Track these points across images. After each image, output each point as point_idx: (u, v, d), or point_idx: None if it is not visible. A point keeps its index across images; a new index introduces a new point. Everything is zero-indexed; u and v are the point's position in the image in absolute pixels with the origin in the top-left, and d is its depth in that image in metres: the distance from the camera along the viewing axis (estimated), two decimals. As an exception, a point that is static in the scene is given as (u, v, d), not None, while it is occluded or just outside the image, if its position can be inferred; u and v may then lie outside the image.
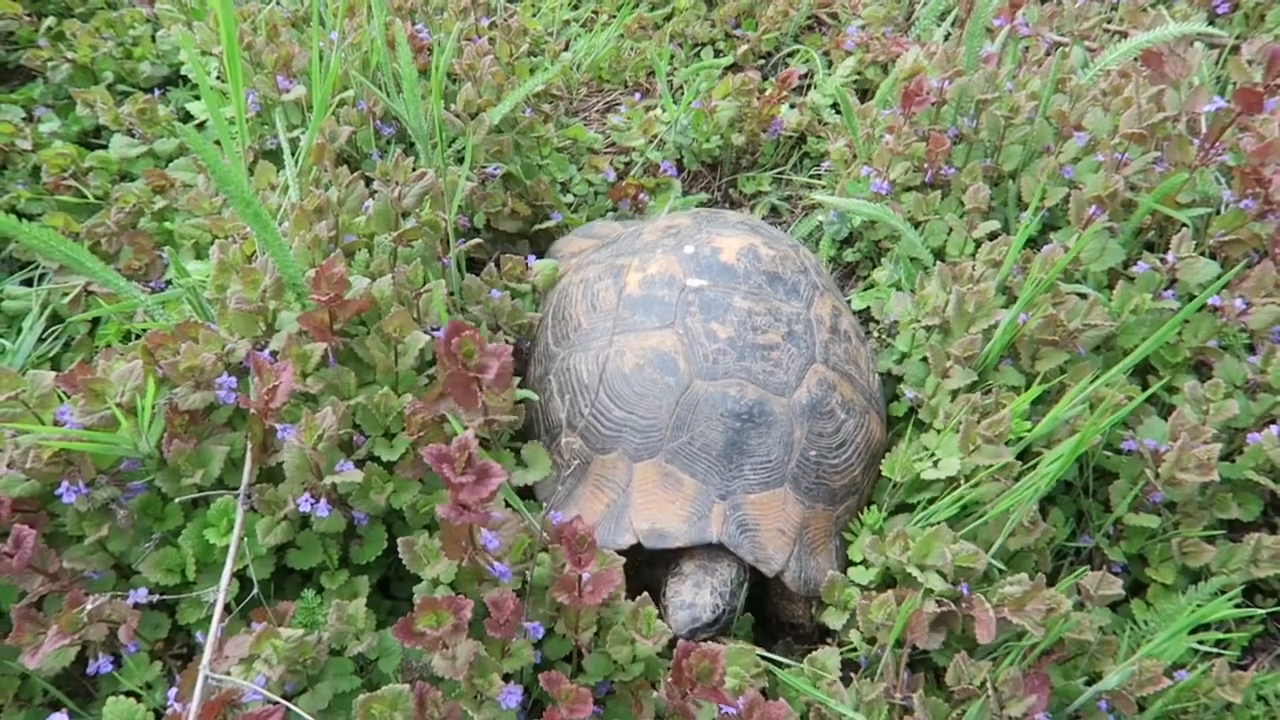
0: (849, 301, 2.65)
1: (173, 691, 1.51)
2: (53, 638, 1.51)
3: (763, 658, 1.81)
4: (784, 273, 2.17)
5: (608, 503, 1.95)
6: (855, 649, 1.86)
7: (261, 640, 1.51)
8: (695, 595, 1.82)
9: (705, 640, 1.78)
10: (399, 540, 1.67)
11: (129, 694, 1.56)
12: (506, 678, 1.60)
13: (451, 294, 2.18)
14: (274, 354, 1.80)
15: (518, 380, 2.17)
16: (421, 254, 2.14)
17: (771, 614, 2.09)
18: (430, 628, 1.47)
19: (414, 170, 2.17)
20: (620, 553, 1.86)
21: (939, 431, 2.11)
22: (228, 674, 1.47)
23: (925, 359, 2.24)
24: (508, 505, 1.81)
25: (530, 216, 2.65)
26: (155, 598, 1.65)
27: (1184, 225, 2.24)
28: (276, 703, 1.43)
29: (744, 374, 1.97)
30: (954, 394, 2.15)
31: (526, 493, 2.09)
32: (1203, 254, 2.27)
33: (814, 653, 1.81)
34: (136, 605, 1.62)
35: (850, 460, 2.05)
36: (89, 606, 1.54)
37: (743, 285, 2.11)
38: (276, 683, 1.49)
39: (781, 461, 1.95)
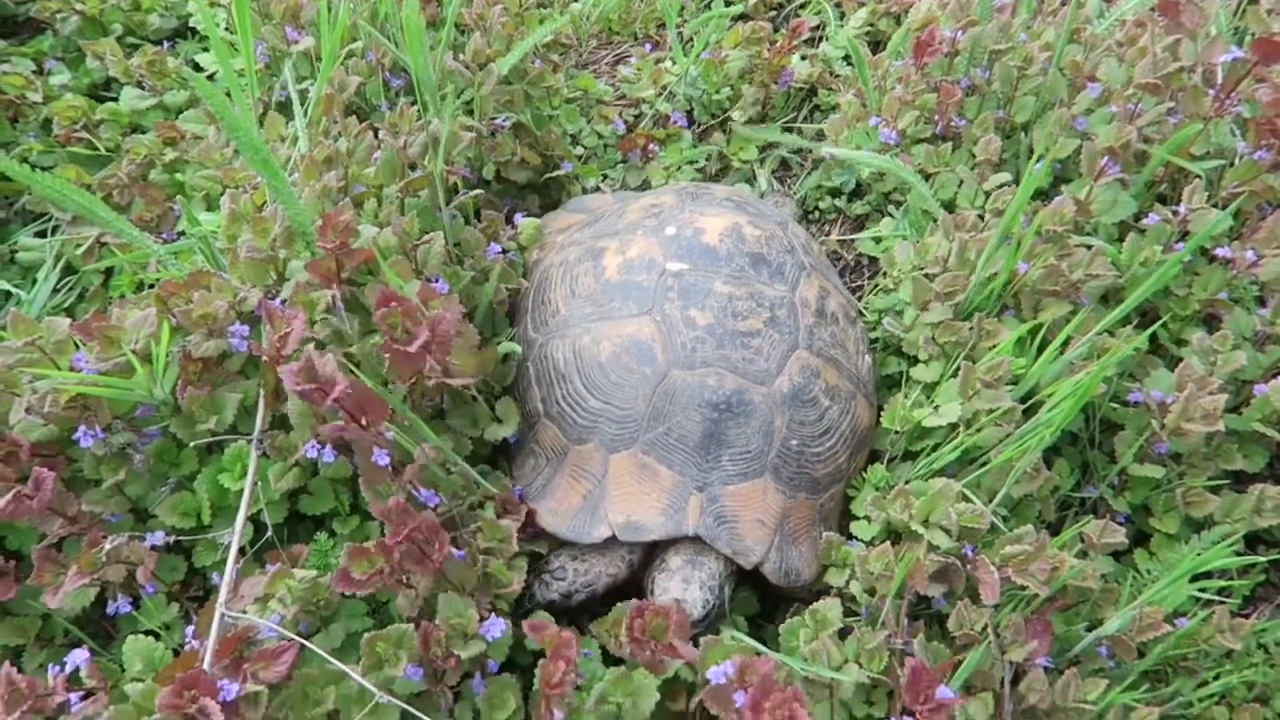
0: (856, 249, 2.65)
1: (190, 629, 1.55)
2: (73, 578, 1.56)
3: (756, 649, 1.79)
4: (769, 254, 2.12)
5: (584, 494, 1.93)
6: (857, 601, 1.88)
7: (276, 580, 1.55)
8: (684, 591, 1.80)
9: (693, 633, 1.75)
10: (360, 480, 1.69)
11: (148, 634, 1.61)
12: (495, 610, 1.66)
13: (457, 245, 2.19)
14: (285, 302, 1.81)
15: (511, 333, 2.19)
16: (424, 205, 2.14)
17: (773, 588, 2.08)
18: (363, 574, 1.51)
19: (419, 120, 2.17)
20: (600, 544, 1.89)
21: (925, 363, 2.13)
22: (243, 613, 1.51)
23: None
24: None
25: (540, 166, 2.64)
26: (172, 539, 1.69)
27: (1197, 177, 2.22)
28: (291, 639, 1.47)
29: (723, 363, 1.93)
30: (933, 327, 2.16)
31: (502, 449, 2.12)
32: (1215, 206, 2.25)
33: (815, 604, 1.80)
34: (154, 548, 1.66)
35: (835, 448, 2.03)
36: (107, 547, 1.58)
37: (724, 268, 2.05)
38: (291, 622, 1.53)
39: (761, 452, 1.93)
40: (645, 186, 2.87)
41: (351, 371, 1.81)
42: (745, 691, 1.48)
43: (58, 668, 1.49)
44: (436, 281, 1.95)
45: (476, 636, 1.63)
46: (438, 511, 1.79)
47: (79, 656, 1.50)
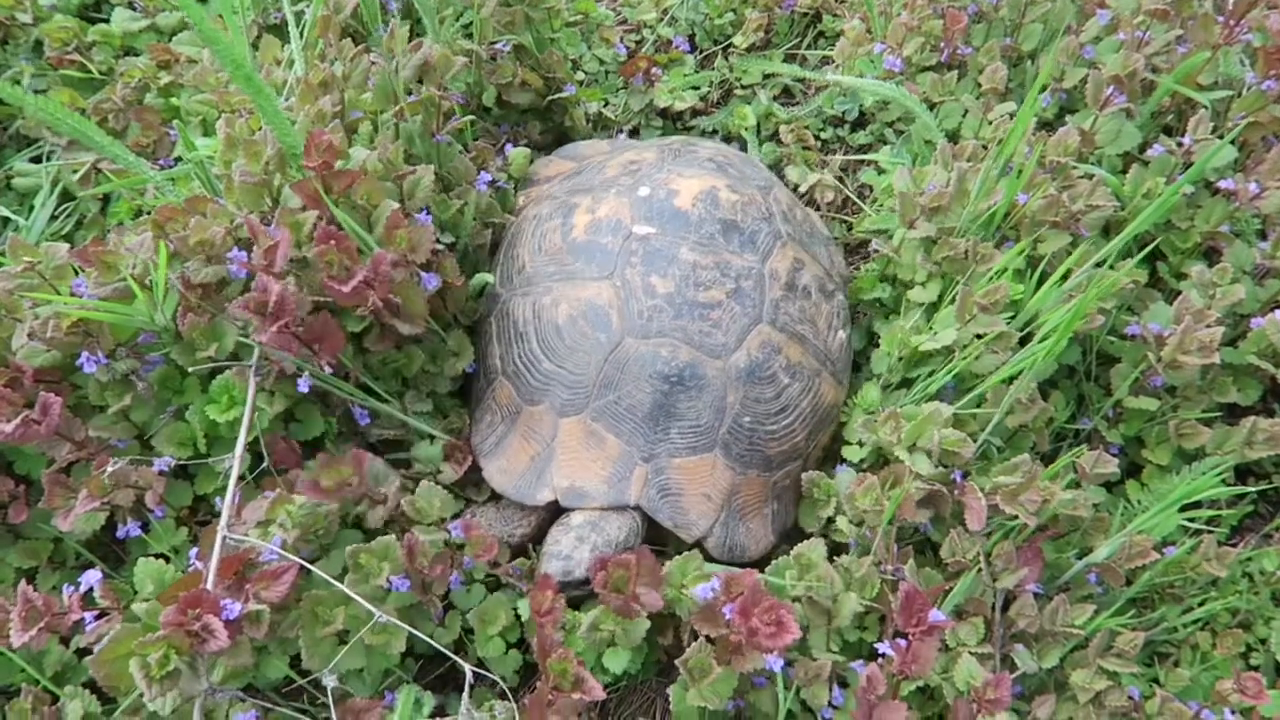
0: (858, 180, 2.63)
1: (194, 550, 1.58)
2: (83, 501, 1.59)
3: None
4: (742, 221, 2.06)
5: (532, 455, 1.92)
6: (842, 532, 1.89)
7: (276, 505, 1.57)
8: (574, 549, 1.79)
9: (575, 593, 1.78)
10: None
11: (158, 557, 1.64)
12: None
13: (448, 172, 2.17)
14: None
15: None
16: (418, 131, 2.12)
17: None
18: (330, 483, 1.58)
19: (412, 42, 2.13)
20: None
21: (923, 284, 2.13)
22: (245, 536, 1.53)
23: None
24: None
25: (542, 89, 2.59)
26: (179, 462, 1.72)
27: (1203, 107, 2.19)
28: (291, 560, 1.50)
29: (679, 334, 1.89)
30: (925, 243, 2.15)
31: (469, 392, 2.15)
32: (1221, 138, 2.23)
33: (798, 546, 1.80)
34: (161, 473, 1.68)
35: (792, 426, 1.99)
36: (109, 469, 1.60)
37: (692, 235, 1.99)
38: (292, 547, 1.56)
39: (711, 427, 1.90)
40: (650, 109, 2.82)
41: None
42: (733, 603, 1.51)
43: (72, 587, 1.53)
44: (424, 213, 1.94)
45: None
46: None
47: (92, 577, 1.53)
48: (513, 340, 2.01)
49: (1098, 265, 2.00)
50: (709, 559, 1.94)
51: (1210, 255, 2.25)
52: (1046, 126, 2.40)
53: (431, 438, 1.96)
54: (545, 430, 1.93)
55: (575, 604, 1.79)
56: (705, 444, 1.91)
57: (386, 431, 1.94)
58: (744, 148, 2.76)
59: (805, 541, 1.80)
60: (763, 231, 2.08)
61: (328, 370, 1.75)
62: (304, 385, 1.72)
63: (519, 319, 2.01)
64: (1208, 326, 1.95)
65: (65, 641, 1.66)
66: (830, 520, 1.96)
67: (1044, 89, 2.28)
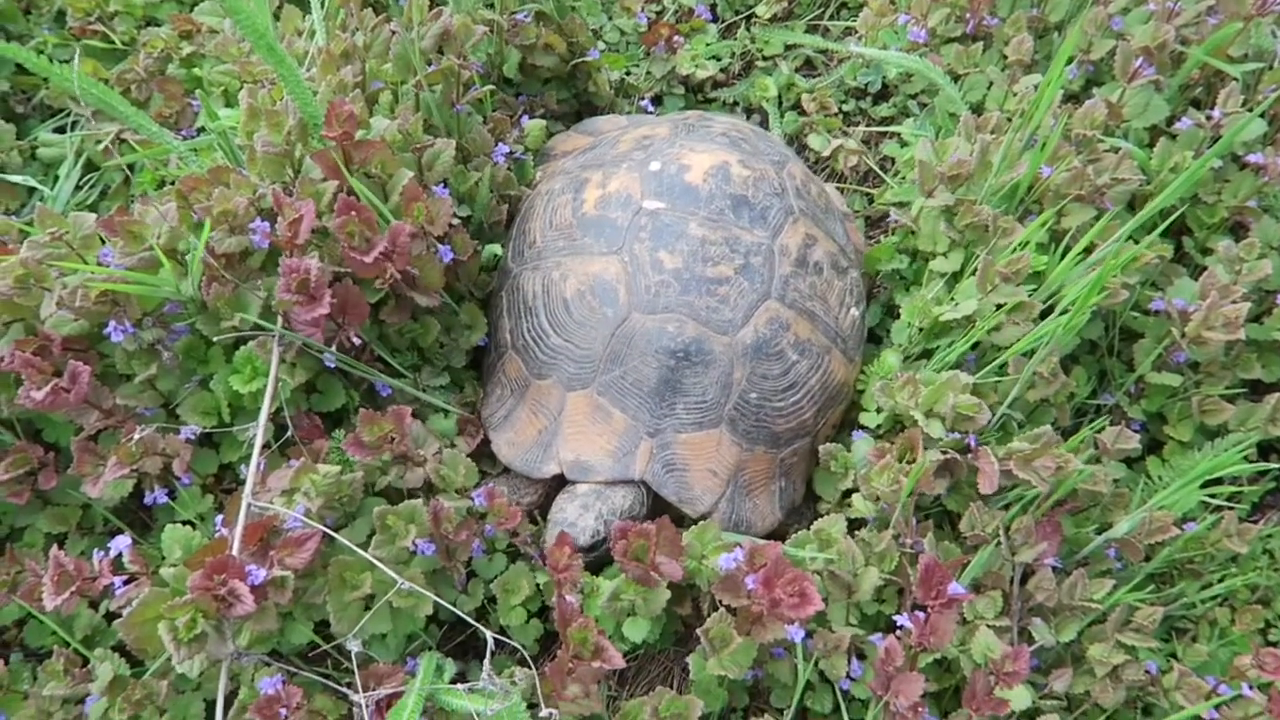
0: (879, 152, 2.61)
1: (219, 517, 1.61)
2: (112, 468, 1.61)
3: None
4: (754, 197, 2.03)
5: (539, 429, 1.93)
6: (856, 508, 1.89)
7: (301, 474, 1.59)
8: (579, 517, 1.81)
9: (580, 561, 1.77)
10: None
11: (185, 524, 1.66)
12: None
13: (467, 144, 2.17)
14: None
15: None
16: (437, 101, 2.11)
17: None
18: (372, 439, 1.61)
19: (431, 11, 2.12)
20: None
21: (945, 254, 2.12)
22: (270, 504, 1.55)
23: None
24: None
25: (566, 53, 2.57)
26: (204, 429, 1.74)
27: (1234, 80, 2.16)
28: (315, 527, 1.52)
29: (685, 309, 1.89)
30: (946, 211, 2.12)
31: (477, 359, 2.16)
32: (1250, 111, 2.20)
33: (818, 521, 1.82)
34: (188, 440, 1.70)
35: (799, 403, 1.98)
36: (136, 436, 1.62)
37: (702, 210, 1.98)
38: (316, 515, 1.58)
39: (718, 403, 1.90)
40: (672, 77, 2.80)
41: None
42: (756, 574, 1.52)
43: (102, 553, 1.55)
44: (442, 186, 1.94)
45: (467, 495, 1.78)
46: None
47: (121, 542, 1.56)
48: (522, 314, 2.02)
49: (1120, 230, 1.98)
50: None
51: (1237, 230, 2.22)
52: (1073, 99, 2.37)
53: (445, 412, 1.98)
54: (552, 404, 1.94)
55: (595, 569, 1.81)
56: (711, 420, 1.91)
57: (402, 405, 1.96)
58: (765, 119, 2.74)
59: (825, 517, 1.81)
60: (774, 207, 2.05)
61: (355, 341, 1.76)
62: (329, 361, 1.74)
63: (528, 293, 2.02)
64: (1233, 302, 1.93)
65: (95, 605, 1.69)
66: (847, 494, 1.96)
67: (1070, 61, 2.25)
